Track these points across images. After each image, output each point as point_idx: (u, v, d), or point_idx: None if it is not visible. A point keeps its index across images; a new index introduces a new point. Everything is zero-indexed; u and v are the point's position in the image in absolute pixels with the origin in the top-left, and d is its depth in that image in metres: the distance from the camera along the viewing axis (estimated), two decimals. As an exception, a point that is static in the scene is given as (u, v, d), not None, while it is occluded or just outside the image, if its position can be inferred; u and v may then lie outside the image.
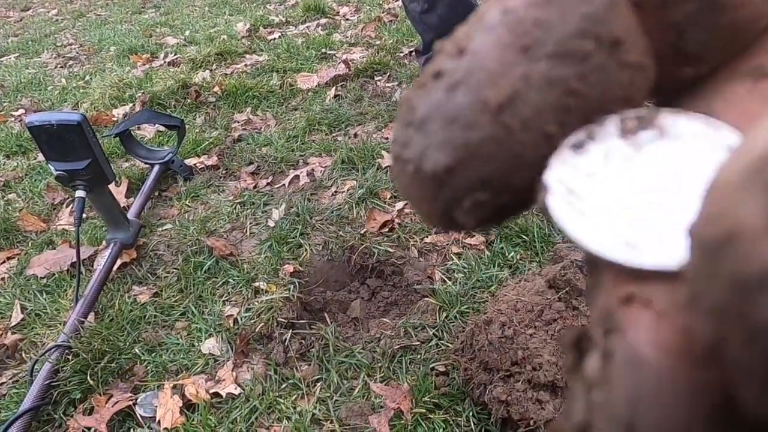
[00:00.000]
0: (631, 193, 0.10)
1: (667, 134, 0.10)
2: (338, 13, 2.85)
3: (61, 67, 2.71)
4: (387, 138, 1.63)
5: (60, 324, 1.13)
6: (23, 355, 1.09)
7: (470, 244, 1.20)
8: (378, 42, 2.32)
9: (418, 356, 0.96)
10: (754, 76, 0.11)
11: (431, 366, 0.93)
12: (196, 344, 1.06)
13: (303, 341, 1.03)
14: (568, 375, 0.11)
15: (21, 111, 2.18)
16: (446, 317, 1.02)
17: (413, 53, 2.04)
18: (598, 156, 0.11)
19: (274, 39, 2.57)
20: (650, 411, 0.09)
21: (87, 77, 2.45)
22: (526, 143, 0.11)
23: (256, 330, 1.05)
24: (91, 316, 1.12)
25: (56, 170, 1.11)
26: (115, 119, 1.96)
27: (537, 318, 0.80)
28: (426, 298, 1.08)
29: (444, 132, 0.11)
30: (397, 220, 1.29)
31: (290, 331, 1.04)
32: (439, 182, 0.11)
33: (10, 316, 1.17)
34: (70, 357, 1.01)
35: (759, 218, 0.07)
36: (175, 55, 2.51)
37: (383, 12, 2.69)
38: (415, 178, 0.12)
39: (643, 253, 0.09)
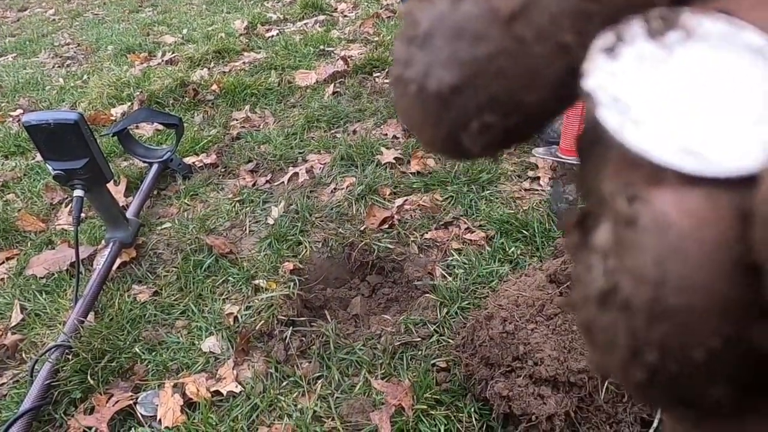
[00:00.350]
0: (677, 98, 0.10)
1: (693, 35, 0.10)
2: (336, 9, 2.84)
3: (59, 66, 2.71)
4: (386, 134, 1.62)
5: (60, 324, 1.12)
6: (23, 355, 1.09)
7: (470, 240, 1.19)
8: (376, 38, 2.31)
9: (419, 352, 0.96)
10: None
11: (432, 362, 0.93)
12: (197, 343, 1.06)
13: (303, 339, 1.03)
14: (573, 252, 0.11)
15: (19, 111, 2.17)
16: (447, 313, 1.01)
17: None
18: (632, 60, 0.10)
19: (272, 36, 2.56)
20: (678, 269, 0.09)
21: (85, 77, 2.44)
22: (540, 56, 0.10)
23: (257, 328, 1.04)
24: (90, 316, 1.12)
25: (54, 170, 1.10)
26: (113, 118, 1.95)
27: (538, 313, 0.80)
28: (426, 294, 1.08)
29: (449, 47, 0.10)
30: (396, 217, 1.28)
31: (291, 328, 1.04)
32: (444, 103, 0.11)
33: (10, 316, 1.17)
34: (70, 357, 1.01)
35: None
36: (172, 53, 2.50)
37: (381, 8, 2.68)
38: (417, 100, 0.11)
39: (709, 161, 0.09)
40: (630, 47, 0.10)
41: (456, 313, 1.01)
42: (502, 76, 0.10)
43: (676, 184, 0.09)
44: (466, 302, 1.02)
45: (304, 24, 2.70)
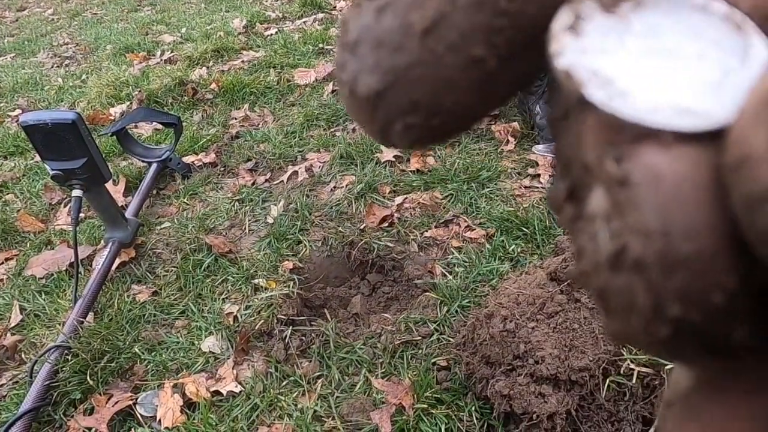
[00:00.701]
0: (650, 65, 0.10)
1: (642, 3, 0.11)
2: (335, 7, 2.83)
3: (58, 66, 2.70)
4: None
5: (59, 324, 1.12)
6: (23, 356, 1.09)
7: (471, 238, 1.19)
8: (375, 36, 2.31)
9: (420, 351, 0.96)
10: None
11: (433, 361, 0.93)
12: (196, 342, 1.05)
13: (303, 338, 1.02)
14: (570, 226, 0.11)
15: (18, 111, 2.17)
16: (447, 311, 1.01)
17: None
18: (597, 35, 0.10)
19: (271, 35, 2.56)
20: (681, 216, 0.09)
21: (83, 76, 2.43)
22: (454, 67, 0.11)
23: (256, 327, 1.04)
24: (90, 316, 1.12)
25: (52, 170, 1.10)
26: (112, 118, 1.95)
27: (539, 311, 0.80)
28: (427, 293, 1.08)
29: (373, 55, 0.11)
30: (396, 215, 1.28)
31: (290, 327, 1.03)
32: (371, 105, 0.11)
33: (9, 317, 1.17)
34: (69, 357, 1.01)
35: (765, 145, 0.08)
36: (171, 52, 2.50)
37: (380, 6, 2.67)
38: (352, 100, 0.12)
39: (699, 117, 0.10)
40: (590, 23, 0.11)
41: (456, 311, 1.00)
42: (420, 83, 0.11)
43: (662, 140, 0.10)
44: (467, 300, 1.02)
45: (303, 22, 2.69)
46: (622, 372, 0.74)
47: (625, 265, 0.09)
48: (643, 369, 0.73)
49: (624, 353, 0.75)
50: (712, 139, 0.10)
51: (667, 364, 0.72)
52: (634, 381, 0.73)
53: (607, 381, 0.73)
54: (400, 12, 0.11)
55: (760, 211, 0.08)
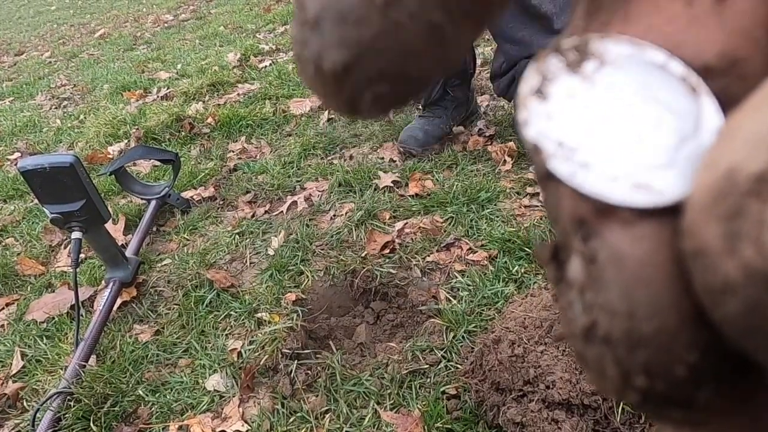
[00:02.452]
0: (612, 131, 0.11)
1: (606, 61, 0.11)
2: (327, 37, 2.88)
3: (56, 108, 2.73)
4: (383, 158, 1.63)
5: (61, 369, 1.10)
6: (24, 403, 1.07)
7: (473, 261, 1.18)
8: (368, 63, 2.34)
9: (428, 380, 0.94)
10: None
11: (442, 390, 0.91)
12: (201, 381, 1.04)
13: (309, 372, 1.01)
14: (555, 287, 0.11)
15: (17, 154, 2.19)
16: (454, 337, 0.99)
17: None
18: (562, 98, 0.11)
19: (265, 67, 2.59)
20: (644, 297, 0.10)
21: (81, 116, 2.46)
22: (415, 35, 0.11)
23: (261, 363, 1.02)
24: (92, 359, 1.10)
25: (51, 213, 1.10)
26: (110, 156, 1.96)
27: (546, 334, 0.78)
28: (432, 319, 1.06)
29: (337, 30, 0.11)
30: (397, 241, 1.27)
31: (295, 361, 1.02)
32: (339, 79, 0.12)
33: (11, 363, 1.15)
34: (72, 403, 0.99)
35: (719, 241, 0.09)
36: (167, 88, 2.53)
37: (371, 33, 2.72)
38: (317, 77, 0.12)
39: (657, 192, 0.10)
40: (556, 84, 0.11)
41: (463, 337, 0.99)
42: (385, 53, 0.11)
43: (625, 217, 0.10)
44: (473, 325, 1.00)
45: (296, 53, 2.73)
46: (635, 394, 0.72)
47: (596, 338, 0.10)
48: (657, 390, 0.72)
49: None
50: (671, 213, 0.10)
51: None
52: (648, 402, 0.71)
53: (621, 404, 0.72)
54: None
55: (721, 301, 0.09)
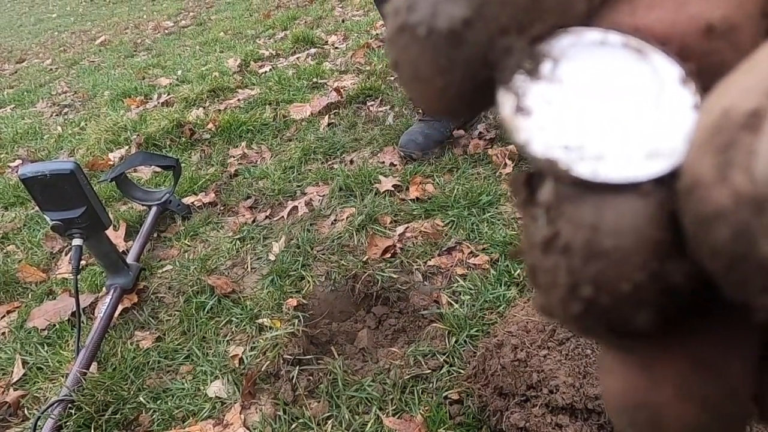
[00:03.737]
0: (599, 117, 0.11)
1: (556, 57, 0.11)
2: (327, 42, 2.89)
3: (57, 115, 2.74)
4: (383, 162, 1.62)
5: (62, 377, 1.10)
6: (26, 411, 1.06)
7: (475, 264, 1.18)
8: (368, 68, 2.34)
9: (430, 385, 0.93)
10: None
11: (444, 395, 0.90)
12: (202, 388, 1.03)
13: (311, 377, 1.00)
14: (521, 208, 0.12)
15: (18, 161, 2.19)
16: (456, 342, 0.99)
17: (403, 76, 2.05)
18: (542, 106, 0.11)
19: (265, 72, 2.60)
20: (611, 215, 0.10)
21: (82, 123, 2.46)
22: None
23: (263, 369, 1.02)
24: (93, 366, 1.10)
25: (51, 220, 1.10)
26: (111, 163, 1.96)
27: (549, 338, 0.78)
28: (434, 323, 1.06)
29: None
30: (398, 245, 1.27)
31: (297, 367, 1.01)
32: (456, 40, 0.11)
33: (12, 371, 1.15)
34: (73, 411, 0.99)
35: (712, 171, 0.09)
36: (168, 95, 2.54)
37: (371, 38, 2.72)
38: (427, 44, 0.11)
39: (668, 155, 0.11)
40: (529, 97, 0.11)
41: (465, 341, 0.98)
42: (510, 4, 0.10)
43: (646, 190, 0.11)
44: (475, 329, 1.00)
45: (296, 58, 2.74)
46: (639, 398, 0.71)
47: (555, 248, 0.11)
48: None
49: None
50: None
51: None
52: (653, 406, 0.71)
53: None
54: None
55: (710, 230, 0.09)
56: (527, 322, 0.82)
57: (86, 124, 2.41)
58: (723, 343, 0.11)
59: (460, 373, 0.92)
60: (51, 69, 3.76)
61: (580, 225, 0.11)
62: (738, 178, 0.09)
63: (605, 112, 0.11)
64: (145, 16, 5.03)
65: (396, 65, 0.12)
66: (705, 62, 0.11)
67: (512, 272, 1.11)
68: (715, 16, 0.11)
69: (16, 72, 3.96)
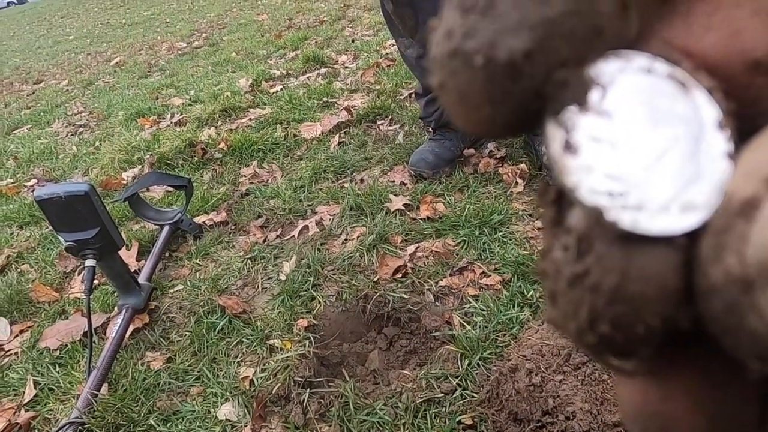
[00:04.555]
0: (642, 159, 0.11)
1: (605, 84, 0.11)
2: (337, 61, 2.92)
3: (72, 134, 2.79)
4: (393, 181, 1.63)
5: (73, 398, 1.10)
6: (36, 433, 1.06)
7: (487, 285, 1.17)
8: (378, 87, 2.36)
9: (443, 409, 0.92)
10: None
11: (457, 419, 0.88)
12: (212, 410, 1.02)
13: (322, 400, 0.99)
14: (547, 227, 0.12)
15: (33, 181, 2.22)
16: (469, 365, 0.97)
17: (413, 95, 2.06)
18: (589, 143, 0.11)
19: (276, 92, 2.63)
20: (640, 263, 0.11)
21: (97, 143, 2.50)
22: (606, 14, 0.10)
23: (273, 391, 1.01)
24: (104, 388, 1.10)
25: (66, 241, 1.11)
26: (124, 182, 1.98)
27: (565, 363, 0.76)
28: (446, 345, 1.04)
29: (517, 11, 0.10)
30: (410, 265, 1.26)
31: (308, 390, 1.00)
32: (514, 73, 0.10)
33: (23, 392, 1.15)
34: (83, 433, 0.98)
35: (710, 251, 0.10)
36: (180, 114, 2.57)
37: (381, 57, 2.75)
38: (482, 74, 0.10)
39: (700, 209, 0.11)
40: (578, 132, 0.11)
41: (478, 364, 0.97)
42: (572, 36, 0.10)
43: (679, 243, 0.11)
44: (488, 352, 0.99)
45: (307, 77, 2.77)
46: (659, 425, 0.69)
47: (582, 285, 0.11)
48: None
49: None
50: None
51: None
52: (673, 435, 0.69)
53: None
54: None
55: (707, 300, 0.10)
56: (542, 346, 0.81)
57: (100, 144, 2.45)
58: (729, 371, 0.12)
59: (473, 397, 0.91)
60: (67, 90, 3.84)
61: (611, 269, 0.11)
62: (730, 260, 0.10)
63: (648, 153, 0.11)
64: (159, 38, 5.14)
65: (441, 86, 0.11)
66: (745, 95, 0.11)
67: (525, 293, 1.10)
68: (764, 52, 0.11)
69: (33, 93, 4.05)
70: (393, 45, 2.72)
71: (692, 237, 0.11)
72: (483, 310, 1.09)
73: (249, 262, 1.41)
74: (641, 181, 0.11)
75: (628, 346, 0.12)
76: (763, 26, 0.11)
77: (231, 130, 2.24)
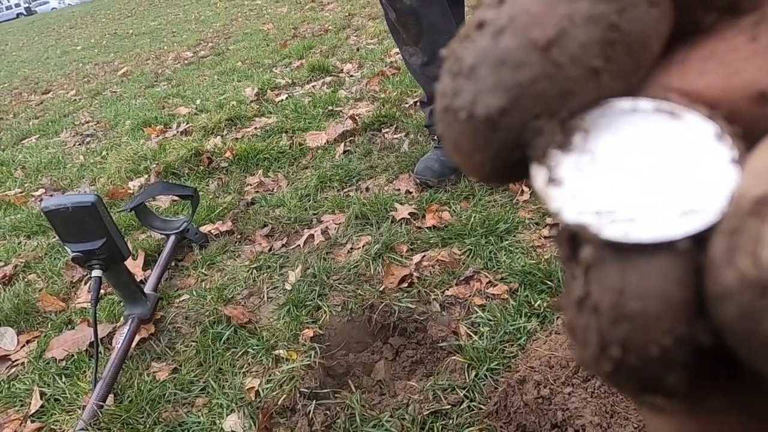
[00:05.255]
0: (630, 181, 0.11)
1: (588, 129, 0.12)
2: (342, 70, 2.94)
3: (79, 144, 2.81)
4: (399, 189, 1.62)
5: (79, 408, 1.10)
6: (42, 444, 1.06)
7: (493, 294, 1.16)
8: (383, 95, 2.37)
9: (450, 421, 0.91)
10: (754, 26, 0.12)
11: (465, 432, 0.88)
12: (218, 422, 1.02)
13: (328, 412, 0.98)
14: (564, 264, 0.13)
15: (41, 191, 2.24)
16: (476, 376, 0.97)
17: (418, 104, 2.06)
18: (573, 175, 0.12)
19: (282, 100, 2.64)
20: (637, 279, 0.11)
21: (104, 152, 2.52)
22: (574, 78, 0.11)
23: (279, 402, 1.00)
24: (110, 399, 1.09)
25: (72, 251, 1.11)
26: (131, 192, 1.99)
27: (573, 375, 0.75)
28: (452, 356, 1.04)
29: (494, 75, 0.12)
30: (415, 274, 1.25)
31: (314, 402, 1.00)
32: (492, 125, 0.12)
33: (30, 403, 1.15)
34: (89, 445, 0.98)
35: (722, 254, 0.10)
36: (187, 124, 2.59)
37: (385, 66, 2.76)
38: (467, 126, 0.12)
39: (703, 212, 0.11)
40: (561, 169, 0.12)
41: (485, 375, 0.96)
42: (542, 96, 0.11)
43: (682, 246, 0.11)
44: (495, 363, 0.98)
45: (312, 86, 2.78)
46: (671, 439, 0.68)
47: (586, 308, 0.11)
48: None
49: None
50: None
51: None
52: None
53: None
54: (520, 32, 0.11)
55: (720, 306, 0.10)
56: (550, 357, 0.80)
57: (107, 154, 2.47)
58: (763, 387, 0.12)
59: (480, 409, 0.90)
60: (75, 99, 3.88)
61: (606, 287, 0.11)
62: (744, 263, 0.09)
63: (639, 176, 0.11)
64: (165, 47, 5.19)
65: (442, 137, 0.13)
66: (754, 127, 0.11)
67: (532, 303, 1.09)
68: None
69: (41, 103, 4.09)
70: (398, 53, 2.73)
71: (698, 242, 0.11)
72: (490, 320, 1.08)
73: (254, 271, 1.41)
74: (633, 197, 0.11)
75: (650, 371, 0.11)
76: (764, 61, 0.11)
77: (237, 139, 2.25)
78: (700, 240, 0.11)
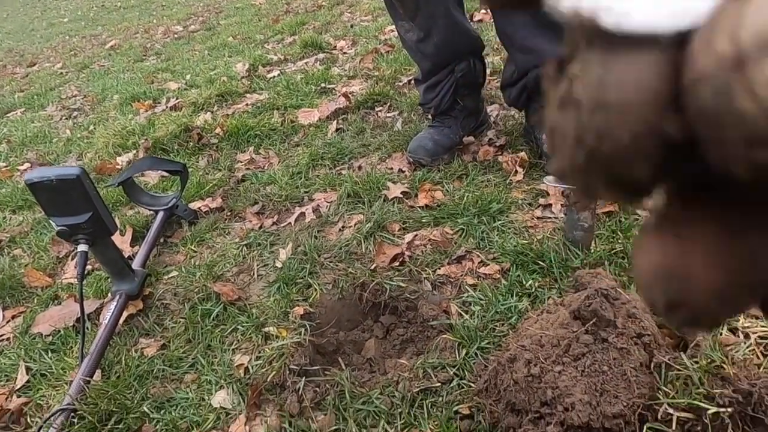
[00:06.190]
0: None
1: None
2: (335, 47, 2.88)
3: (66, 118, 2.75)
4: (391, 168, 1.61)
5: (66, 384, 1.09)
6: (28, 419, 1.05)
7: (485, 274, 1.15)
8: (376, 73, 2.33)
9: (440, 399, 0.91)
10: None
11: (454, 409, 0.88)
12: (207, 398, 1.01)
13: (317, 389, 0.98)
14: (550, 86, 0.13)
15: (27, 165, 2.19)
16: (466, 354, 0.96)
17: (412, 82, 2.03)
18: None
19: (274, 77, 2.59)
20: (616, 72, 0.11)
21: (91, 127, 2.47)
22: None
23: (268, 379, 1.00)
24: (97, 374, 1.08)
25: (57, 225, 1.08)
26: (119, 167, 1.96)
27: (564, 353, 0.75)
28: (443, 335, 1.03)
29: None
30: (407, 253, 1.25)
31: (303, 378, 0.99)
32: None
33: (15, 378, 1.14)
34: (75, 420, 0.97)
35: (701, 42, 0.11)
36: (176, 99, 2.54)
37: (379, 43, 2.71)
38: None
39: (692, 8, 0.11)
40: None
41: (476, 354, 0.96)
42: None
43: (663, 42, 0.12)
44: (486, 341, 0.97)
45: (305, 63, 2.73)
46: (659, 417, 0.69)
47: (567, 103, 0.12)
48: (683, 414, 0.68)
49: (660, 397, 0.70)
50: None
51: (708, 408, 0.67)
52: (673, 427, 0.68)
53: (645, 428, 0.68)
54: None
55: (697, 90, 0.10)
56: (541, 336, 0.79)
57: (95, 128, 2.42)
58: (744, 218, 0.12)
59: (470, 386, 0.90)
60: (61, 73, 3.79)
61: (589, 80, 0.12)
62: (721, 44, 0.10)
63: None
64: (155, 21, 5.07)
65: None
66: None
67: (524, 283, 1.09)
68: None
69: (27, 75, 3.99)
70: (392, 31, 2.67)
71: (682, 44, 0.11)
72: (481, 300, 1.08)
73: (245, 248, 1.39)
74: None
75: (619, 161, 0.12)
76: None
77: (227, 115, 2.21)
78: (685, 42, 0.11)
